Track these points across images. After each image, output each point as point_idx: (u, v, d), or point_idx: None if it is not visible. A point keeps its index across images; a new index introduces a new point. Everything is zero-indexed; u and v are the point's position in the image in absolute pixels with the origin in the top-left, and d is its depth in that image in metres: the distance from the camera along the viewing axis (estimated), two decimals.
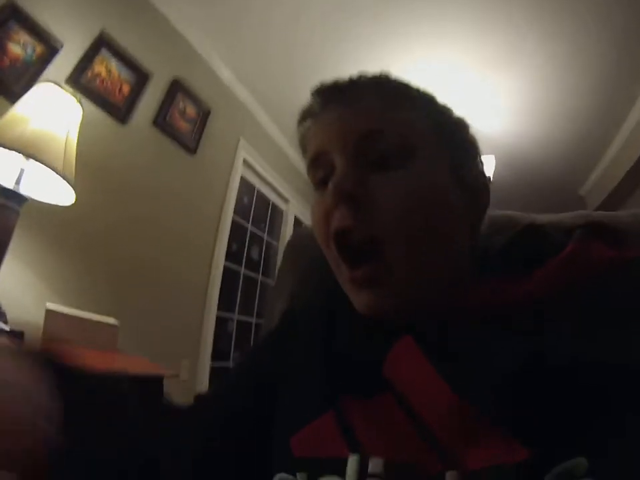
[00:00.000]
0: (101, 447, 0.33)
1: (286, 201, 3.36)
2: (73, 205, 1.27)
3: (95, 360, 1.12)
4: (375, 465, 0.25)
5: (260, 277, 3.10)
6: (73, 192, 1.20)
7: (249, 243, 2.92)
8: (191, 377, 2.10)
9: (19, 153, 1.06)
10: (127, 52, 1.80)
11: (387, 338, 0.33)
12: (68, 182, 1.15)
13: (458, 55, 2.24)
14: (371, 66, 0.40)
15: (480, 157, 0.42)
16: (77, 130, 1.24)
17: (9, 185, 1.11)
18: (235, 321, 2.77)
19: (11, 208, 1.10)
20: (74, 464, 0.30)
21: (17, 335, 1.05)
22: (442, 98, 0.41)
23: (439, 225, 0.35)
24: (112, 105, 1.72)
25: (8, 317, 1.11)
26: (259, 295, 3.07)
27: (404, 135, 0.36)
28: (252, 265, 2.99)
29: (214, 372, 2.33)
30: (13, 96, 1.27)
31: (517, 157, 3.11)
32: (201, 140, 2.25)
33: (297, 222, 3.45)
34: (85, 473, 0.31)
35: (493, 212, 0.49)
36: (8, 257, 1.12)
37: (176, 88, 2.08)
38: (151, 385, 1.22)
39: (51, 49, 1.47)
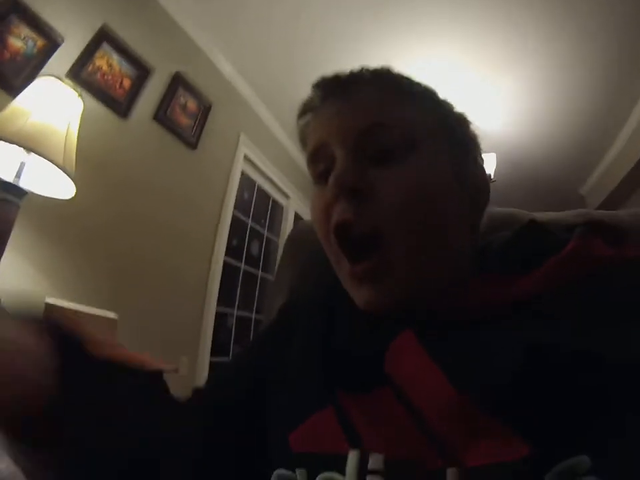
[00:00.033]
0: (99, 438, 0.33)
1: (286, 196, 3.36)
2: (73, 198, 1.27)
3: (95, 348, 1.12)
4: (375, 461, 0.25)
5: (260, 273, 3.09)
6: (73, 186, 1.20)
7: (249, 239, 2.91)
8: (190, 372, 2.11)
9: (20, 146, 1.05)
10: (128, 46, 1.79)
11: (387, 333, 0.33)
12: (68, 176, 1.14)
13: (458, 54, 2.23)
14: (371, 63, 0.40)
15: (480, 153, 0.42)
16: (78, 124, 1.23)
17: (9, 178, 1.11)
18: (235, 317, 2.76)
19: (11, 201, 1.10)
20: (72, 453, 0.31)
21: None
22: (442, 97, 0.41)
23: (439, 218, 0.35)
24: (113, 99, 1.71)
25: None
26: (258, 291, 3.06)
27: (404, 128, 0.35)
28: (252, 260, 2.98)
29: (213, 367, 2.33)
30: (14, 89, 1.27)
31: (518, 156, 3.10)
32: (202, 135, 2.24)
33: (297, 218, 3.44)
34: (84, 468, 0.32)
35: (493, 209, 0.49)
36: (8, 251, 1.12)
37: (177, 82, 2.07)
38: (151, 377, 1.23)
39: (51, 43, 1.46)
